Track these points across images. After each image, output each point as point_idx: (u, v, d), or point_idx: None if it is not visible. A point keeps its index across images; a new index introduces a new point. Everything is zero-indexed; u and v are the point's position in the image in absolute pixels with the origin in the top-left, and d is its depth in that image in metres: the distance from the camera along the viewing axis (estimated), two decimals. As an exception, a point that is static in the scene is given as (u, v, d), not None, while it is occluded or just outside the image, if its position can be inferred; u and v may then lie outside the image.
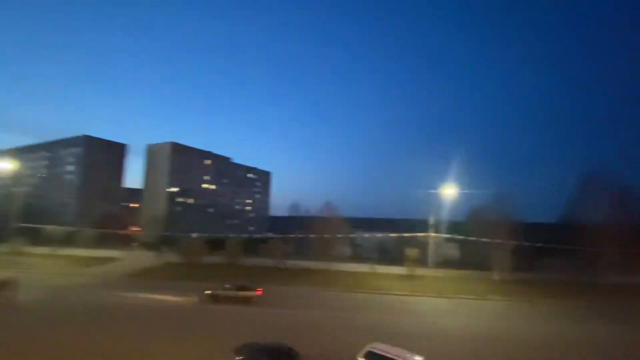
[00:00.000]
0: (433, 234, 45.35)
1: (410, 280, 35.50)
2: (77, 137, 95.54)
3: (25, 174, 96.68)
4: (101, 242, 56.42)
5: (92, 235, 56.13)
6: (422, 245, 44.69)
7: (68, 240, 54.56)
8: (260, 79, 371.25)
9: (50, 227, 56.99)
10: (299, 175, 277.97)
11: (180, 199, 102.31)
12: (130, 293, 26.50)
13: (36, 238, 50.80)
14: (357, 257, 49.03)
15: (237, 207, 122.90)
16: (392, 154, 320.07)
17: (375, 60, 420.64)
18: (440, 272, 39.95)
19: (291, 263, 42.01)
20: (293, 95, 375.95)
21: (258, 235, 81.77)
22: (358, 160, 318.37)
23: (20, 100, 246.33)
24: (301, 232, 50.59)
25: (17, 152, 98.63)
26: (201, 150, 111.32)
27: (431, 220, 45.54)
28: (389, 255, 49.61)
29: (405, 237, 49.48)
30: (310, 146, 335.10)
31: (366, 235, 60.61)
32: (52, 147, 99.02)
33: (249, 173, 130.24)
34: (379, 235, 58.92)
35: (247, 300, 24.52)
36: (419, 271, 38.45)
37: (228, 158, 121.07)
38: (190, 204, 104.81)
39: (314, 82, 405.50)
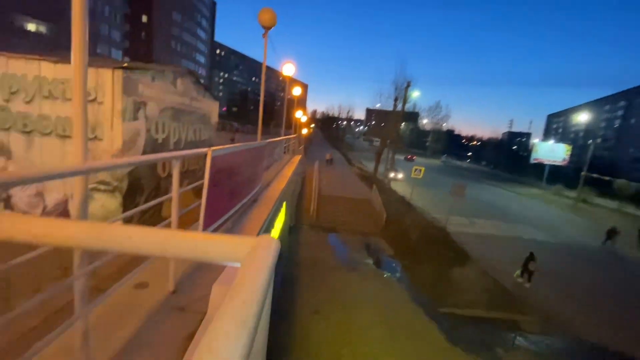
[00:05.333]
0: None
1: None
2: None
3: (599, 126, 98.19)
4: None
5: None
6: None
7: (637, 198, 47.80)
8: None
9: (620, 181, 53.21)
10: None
11: None
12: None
13: (604, 190, 50.45)
14: None
15: None
16: None
17: None
18: None
19: None
20: None
21: None
22: None
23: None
24: None
25: (593, 105, 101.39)
26: None
27: None
28: None
29: None
30: None
31: None
32: (629, 96, 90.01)
33: None
34: None
35: None
36: None
37: None
38: None
39: None
